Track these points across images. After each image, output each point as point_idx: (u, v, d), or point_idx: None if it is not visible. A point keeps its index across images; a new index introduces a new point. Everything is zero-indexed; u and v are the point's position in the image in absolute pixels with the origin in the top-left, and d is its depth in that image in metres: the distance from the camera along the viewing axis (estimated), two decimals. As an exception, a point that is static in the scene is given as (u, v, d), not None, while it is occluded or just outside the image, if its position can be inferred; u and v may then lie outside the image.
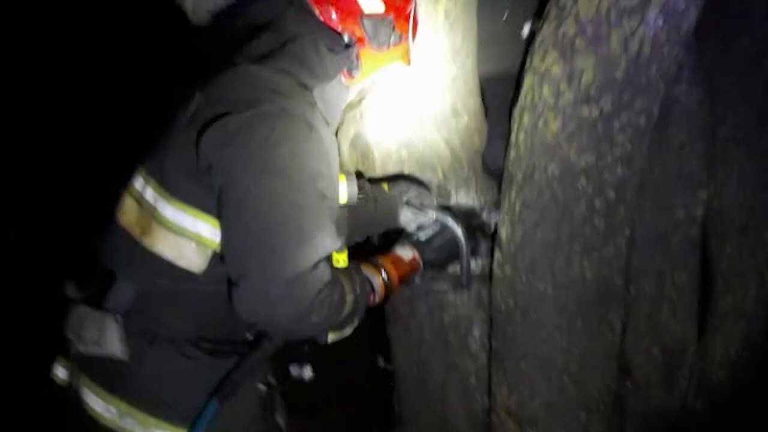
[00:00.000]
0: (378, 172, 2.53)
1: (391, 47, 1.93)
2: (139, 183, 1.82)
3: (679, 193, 2.88)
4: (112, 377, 1.79)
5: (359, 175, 2.41)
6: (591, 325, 2.49)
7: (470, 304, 2.67)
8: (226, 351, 1.83)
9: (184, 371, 1.79)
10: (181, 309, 1.79)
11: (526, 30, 2.67)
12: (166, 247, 1.74)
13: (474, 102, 2.57)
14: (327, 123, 1.87)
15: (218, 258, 1.73)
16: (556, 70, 2.23)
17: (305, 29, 1.81)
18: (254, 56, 1.79)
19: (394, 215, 2.31)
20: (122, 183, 1.88)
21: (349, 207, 2.06)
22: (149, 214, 1.76)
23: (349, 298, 1.79)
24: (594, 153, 2.28)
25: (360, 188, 2.05)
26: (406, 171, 2.53)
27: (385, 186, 2.30)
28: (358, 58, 1.87)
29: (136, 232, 1.78)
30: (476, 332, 2.70)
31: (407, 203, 2.33)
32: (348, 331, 1.91)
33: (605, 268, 2.46)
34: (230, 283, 1.66)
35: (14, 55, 5.22)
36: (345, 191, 1.96)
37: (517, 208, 2.43)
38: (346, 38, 1.84)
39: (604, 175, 2.32)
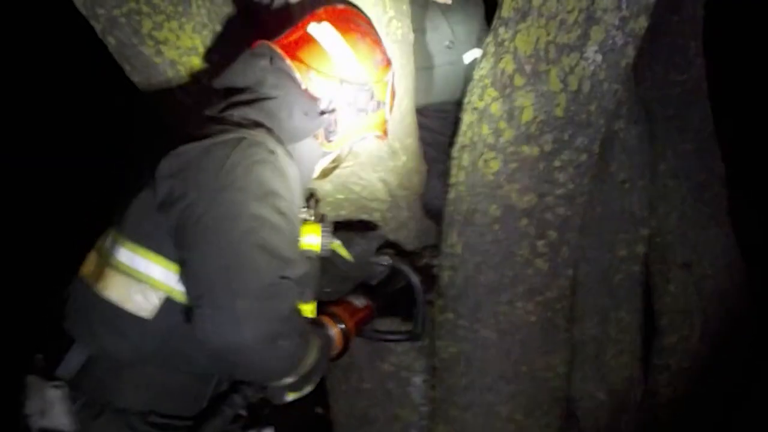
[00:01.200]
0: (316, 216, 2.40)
1: (369, 114, 1.91)
2: (104, 237, 1.78)
3: (621, 230, 2.85)
4: None
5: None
6: (536, 371, 2.41)
7: (411, 352, 2.56)
8: (177, 427, 1.70)
9: None
10: (130, 376, 1.69)
11: (468, 56, 2.61)
12: (114, 290, 1.67)
13: (411, 141, 2.47)
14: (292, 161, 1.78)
15: (170, 304, 1.66)
16: (496, 107, 2.15)
17: (283, 93, 1.79)
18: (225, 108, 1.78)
19: (368, 270, 2.19)
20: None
21: (323, 261, 1.97)
22: (105, 260, 1.71)
23: (315, 345, 1.72)
24: (535, 193, 2.21)
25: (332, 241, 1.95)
26: (344, 214, 2.42)
27: (335, 245, 2.07)
28: (336, 123, 1.86)
29: (91, 280, 1.73)
30: (418, 381, 2.59)
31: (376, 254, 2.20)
32: (308, 388, 1.78)
33: (549, 310, 2.38)
34: (192, 310, 1.56)
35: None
36: (318, 241, 1.86)
37: (459, 251, 2.33)
38: (325, 103, 1.82)
39: (546, 216, 2.25)
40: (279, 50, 1.81)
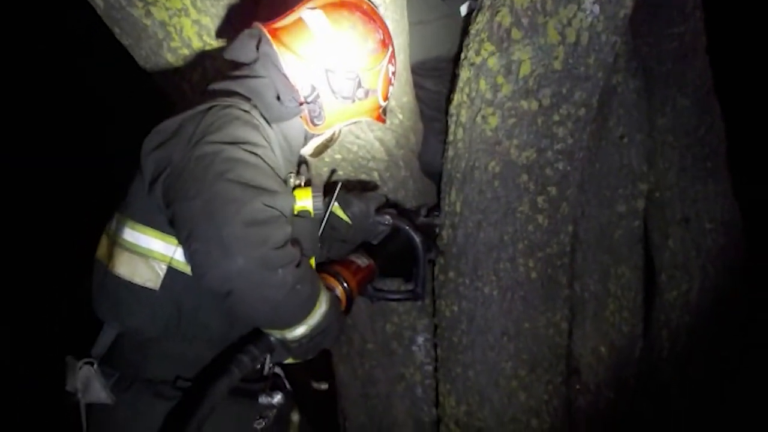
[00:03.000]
0: (316, 176, 2.39)
1: (356, 102, 1.90)
2: (111, 220, 1.87)
3: (620, 186, 2.84)
4: (99, 424, 1.83)
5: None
6: (538, 328, 2.41)
7: (413, 312, 2.56)
8: None
9: (163, 414, 1.74)
10: (154, 349, 1.79)
11: (464, 8, 2.57)
12: (122, 266, 1.77)
13: (408, 99, 2.45)
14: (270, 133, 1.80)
15: (173, 273, 1.74)
16: (493, 62, 2.13)
17: (268, 76, 1.83)
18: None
19: (369, 230, 2.18)
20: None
21: (325, 228, 1.99)
22: (113, 240, 1.81)
23: (325, 295, 1.72)
24: (535, 148, 2.20)
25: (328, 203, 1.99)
26: (341, 174, 2.40)
27: (334, 207, 2.08)
28: (321, 109, 1.87)
29: (104, 260, 1.83)
30: (420, 340, 2.59)
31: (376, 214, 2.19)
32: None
33: (550, 267, 2.38)
34: (186, 249, 1.61)
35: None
36: (310, 203, 1.85)
37: (458, 209, 2.32)
38: (307, 90, 1.84)
39: (546, 171, 2.24)
40: (268, 34, 1.83)
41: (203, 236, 1.53)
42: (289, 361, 1.84)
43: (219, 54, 2.04)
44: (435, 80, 2.63)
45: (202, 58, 2.37)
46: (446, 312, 2.44)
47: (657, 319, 3.01)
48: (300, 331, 1.67)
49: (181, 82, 2.42)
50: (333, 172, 2.39)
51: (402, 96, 2.41)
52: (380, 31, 1.94)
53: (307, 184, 1.94)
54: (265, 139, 1.73)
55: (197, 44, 2.36)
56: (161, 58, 2.37)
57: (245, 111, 1.72)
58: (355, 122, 1.99)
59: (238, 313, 1.67)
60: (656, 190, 2.91)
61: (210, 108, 1.69)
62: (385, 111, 2.05)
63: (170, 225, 1.66)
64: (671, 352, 2.98)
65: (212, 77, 2.10)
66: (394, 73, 2.01)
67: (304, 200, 1.85)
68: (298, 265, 1.62)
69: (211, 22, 2.36)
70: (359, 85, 1.89)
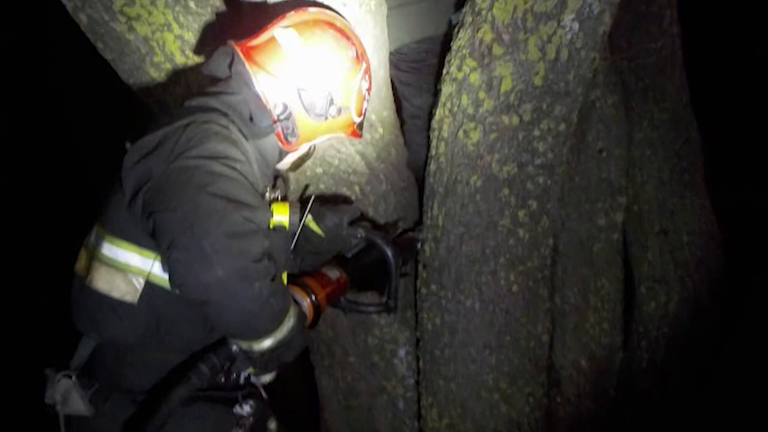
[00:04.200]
0: (293, 189, 2.39)
1: (330, 119, 1.92)
2: (90, 233, 1.88)
3: (599, 199, 2.87)
4: None
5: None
6: (519, 340, 2.42)
7: (395, 325, 2.57)
8: None
9: None
10: (131, 359, 1.81)
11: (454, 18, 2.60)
12: (101, 280, 1.78)
13: (388, 114, 2.47)
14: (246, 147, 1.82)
15: (151, 287, 1.75)
16: (475, 77, 2.15)
17: (241, 94, 1.85)
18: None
19: (342, 243, 2.18)
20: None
21: (299, 240, 2.01)
22: (92, 254, 1.82)
23: (293, 309, 1.73)
24: (516, 163, 2.22)
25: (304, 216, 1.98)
26: (322, 188, 2.41)
27: (307, 220, 2.08)
28: (294, 126, 1.88)
29: (83, 274, 1.84)
30: (402, 353, 2.60)
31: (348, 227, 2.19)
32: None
33: (531, 280, 2.40)
34: (165, 260, 1.62)
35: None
36: (286, 218, 1.87)
37: (440, 223, 2.34)
38: (279, 108, 1.85)
39: (526, 185, 2.26)
40: (241, 53, 1.85)
41: (184, 246, 1.54)
42: (254, 374, 1.85)
43: (200, 68, 2.04)
44: (416, 76, 2.64)
45: (185, 72, 2.37)
46: (428, 325, 2.45)
47: (636, 331, 3.04)
48: (266, 343, 1.68)
49: (164, 96, 2.42)
50: (311, 186, 2.40)
51: (382, 110, 2.43)
52: (353, 48, 1.96)
53: (284, 198, 1.96)
54: (243, 154, 1.74)
55: (180, 59, 2.36)
56: (144, 72, 2.37)
57: (223, 126, 1.73)
58: (329, 138, 2.00)
59: (213, 321, 1.70)
60: (635, 203, 2.95)
61: (189, 123, 1.70)
62: (360, 126, 2.06)
63: (150, 236, 1.66)
64: (650, 362, 3.01)
65: (194, 91, 2.11)
66: (368, 90, 2.02)
67: (281, 215, 1.87)
68: (272, 279, 1.64)
69: (194, 37, 2.36)
70: (332, 103, 1.90)
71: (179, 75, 2.37)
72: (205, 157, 1.63)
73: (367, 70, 2.01)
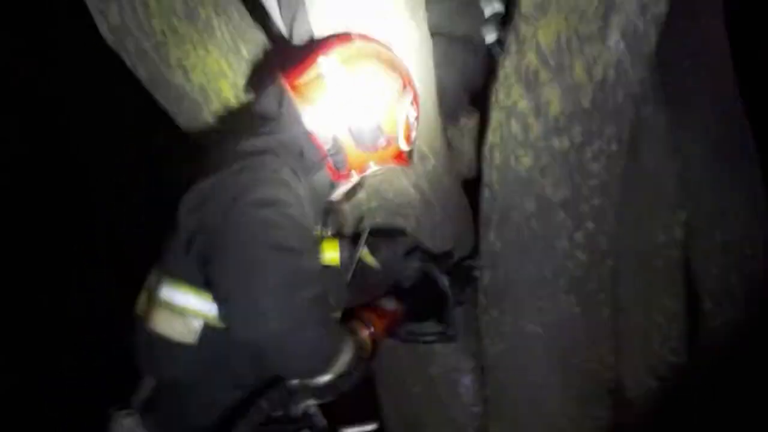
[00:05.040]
0: (349, 223, 2.44)
1: (378, 150, 1.96)
2: (151, 275, 1.93)
3: (657, 216, 2.84)
4: None
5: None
6: (584, 363, 2.41)
7: (458, 353, 2.57)
8: None
9: None
10: (190, 399, 1.86)
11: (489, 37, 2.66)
12: (160, 323, 1.83)
13: (439, 144, 2.50)
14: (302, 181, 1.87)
15: (209, 329, 1.79)
16: (523, 104, 2.17)
17: (292, 131, 1.90)
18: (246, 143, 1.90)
19: (398, 275, 2.24)
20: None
21: (355, 273, 2.04)
22: (152, 297, 1.87)
23: (349, 343, 1.81)
24: (569, 185, 2.22)
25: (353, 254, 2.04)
26: (378, 221, 2.44)
27: (363, 253, 2.16)
28: (345, 157, 1.93)
29: (144, 317, 1.89)
30: (467, 381, 2.60)
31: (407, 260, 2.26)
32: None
33: (592, 301, 2.38)
34: (221, 311, 1.70)
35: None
36: (337, 255, 1.94)
37: (497, 249, 2.35)
38: (329, 142, 1.91)
39: (581, 207, 2.26)
40: (289, 90, 1.91)
41: (238, 300, 1.61)
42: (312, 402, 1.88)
43: (251, 107, 2.11)
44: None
45: (240, 115, 2.45)
46: (491, 351, 2.45)
47: (703, 348, 2.98)
48: (324, 378, 1.76)
49: (221, 140, 2.51)
50: (366, 219, 2.44)
51: (433, 141, 2.46)
52: (399, 78, 2.00)
53: (336, 234, 2.01)
54: (295, 196, 1.78)
55: (234, 103, 2.45)
56: (202, 120, 2.46)
57: (275, 170, 1.78)
58: (380, 168, 2.04)
59: (269, 365, 1.76)
60: (694, 218, 2.90)
61: (242, 168, 1.76)
62: (410, 154, 2.09)
63: (206, 285, 1.73)
64: (721, 379, 2.94)
65: (248, 129, 2.17)
66: (416, 118, 2.06)
67: (332, 252, 1.92)
68: (325, 321, 1.70)
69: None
70: (380, 133, 1.94)
71: (235, 118, 2.46)
72: (257, 205, 1.68)
73: (415, 99, 2.05)
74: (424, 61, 2.39)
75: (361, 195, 2.40)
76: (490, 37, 2.76)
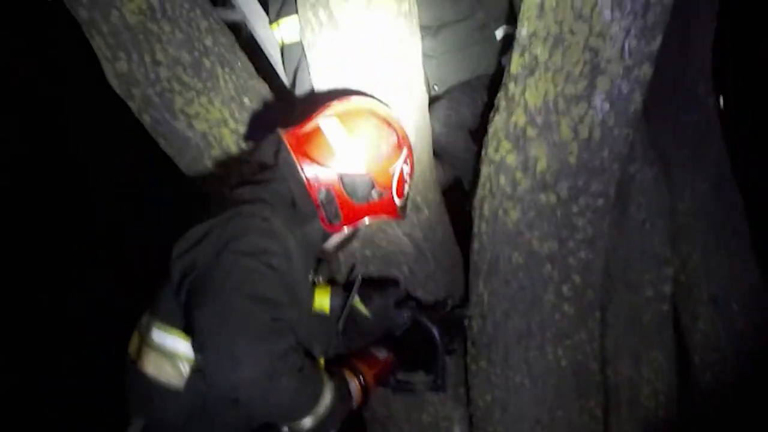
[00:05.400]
0: (343, 272, 2.49)
1: (371, 202, 2.01)
2: (143, 317, 1.96)
3: (645, 270, 2.88)
4: None
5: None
6: (572, 415, 2.43)
7: (449, 402, 2.60)
8: None
9: None
10: None
11: (500, 32, 2.81)
12: (150, 366, 1.86)
13: (433, 196, 2.57)
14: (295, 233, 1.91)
15: (197, 374, 1.82)
16: (511, 159, 2.24)
17: (287, 182, 1.96)
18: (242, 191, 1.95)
19: (390, 323, 2.27)
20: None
21: (347, 321, 2.10)
22: (143, 339, 1.91)
23: (330, 388, 1.82)
24: (556, 239, 2.28)
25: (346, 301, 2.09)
26: (371, 269, 2.50)
27: (355, 301, 2.21)
28: (338, 210, 1.98)
29: (134, 358, 1.92)
30: (457, 430, 2.62)
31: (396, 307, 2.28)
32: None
33: (580, 354, 2.42)
34: (198, 358, 1.75)
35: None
36: (328, 303, 2.01)
37: (486, 299, 2.40)
38: (323, 194, 1.96)
39: (568, 260, 2.32)
40: (287, 142, 1.97)
41: (214, 347, 1.65)
42: None
43: (250, 155, 2.18)
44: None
45: (240, 162, 2.53)
46: (480, 402, 2.48)
47: (692, 402, 3.00)
48: (307, 422, 1.78)
49: (220, 187, 2.58)
50: (360, 267, 2.49)
51: (427, 193, 2.53)
52: (395, 134, 2.05)
53: (328, 282, 2.05)
54: (282, 246, 1.82)
55: (235, 151, 2.53)
56: (203, 166, 2.54)
57: (265, 219, 1.82)
58: (372, 220, 2.08)
59: (248, 413, 1.81)
60: (682, 273, 2.95)
61: (234, 216, 1.80)
62: (403, 208, 2.14)
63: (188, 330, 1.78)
64: (709, 432, 2.95)
65: (245, 177, 2.24)
66: (410, 174, 2.11)
67: (323, 299, 1.98)
68: (301, 369, 1.72)
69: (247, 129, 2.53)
70: (373, 187, 1.99)
71: (234, 165, 2.53)
72: (242, 254, 1.72)
73: (409, 155, 2.10)
74: (421, 119, 2.47)
75: (355, 243, 2.46)
76: (506, 59, 2.81)
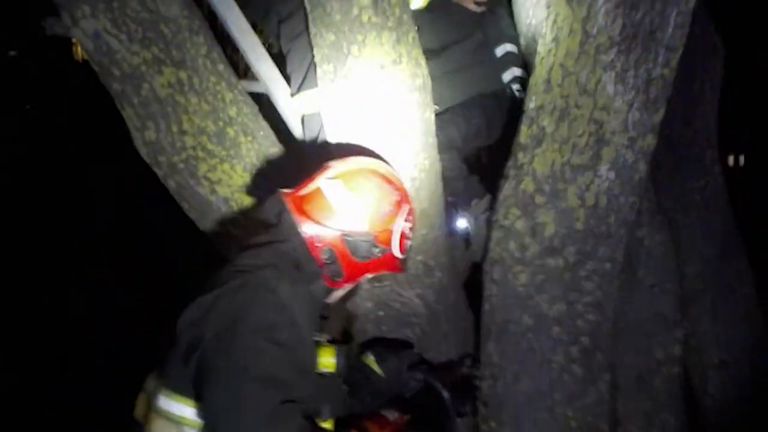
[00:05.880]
0: (358, 333, 2.57)
1: (373, 259, 2.04)
2: (150, 379, 1.97)
3: (655, 333, 2.93)
4: None
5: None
6: (582, 476, 2.45)
7: (459, 463, 2.62)
8: None
9: None
10: None
11: (499, 50, 2.96)
12: (157, 430, 1.86)
13: (446, 260, 2.65)
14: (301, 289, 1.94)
15: None
16: (520, 225, 2.33)
17: (289, 242, 1.98)
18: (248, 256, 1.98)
19: (402, 385, 2.31)
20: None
21: (360, 379, 2.16)
22: (150, 404, 1.91)
23: None
24: (564, 302, 2.34)
25: (351, 359, 2.13)
26: (384, 329, 2.57)
27: (370, 361, 2.29)
28: (341, 267, 2.00)
29: (142, 423, 1.93)
30: (469, 490, 2.64)
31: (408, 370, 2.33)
32: None
33: (589, 415, 2.45)
34: None
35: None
36: (333, 361, 2.01)
37: (496, 360, 2.45)
38: (326, 253, 1.98)
39: (577, 323, 2.37)
40: (289, 204, 2.01)
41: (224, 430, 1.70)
42: None
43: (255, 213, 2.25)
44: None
45: (247, 222, 2.61)
46: (490, 462, 2.51)
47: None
48: None
49: (233, 246, 2.67)
50: (373, 327, 2.56)
51: (440, 256, 2.61)
52: (396, 192, 2.08)
53: (332, 340, 2.08)
54: (289, 318, 1.82)
55: (254, 214, 2.63)
56: (223, 228, 2.64)
57: (271, 290, 1.82)
58: (375, 275, 2.10)
59: None
60: (692, 336, 2.99)
61: (241, 286, 1.81)
62: (404, 261, 2.15)
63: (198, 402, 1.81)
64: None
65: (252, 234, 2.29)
66: (411, 229, 2.13)
67: (328, 358, 1.99)
68: None
69: (267, 193, 2.64)
70: (375, 245, 2.02)
71: (252, 227, 2.61)
72: (251, 332, 1.74)
73: (410, 212, 2.12)
74: (435, 186, 2.56)
75: (369, 304, 2.55)
76: (508, 75, 2.99)
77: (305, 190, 2.04)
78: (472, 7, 2.93)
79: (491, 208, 2.59)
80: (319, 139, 2.67)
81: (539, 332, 2.37)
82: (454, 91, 2.91)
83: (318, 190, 2.02)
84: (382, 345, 2.28)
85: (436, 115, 2.80)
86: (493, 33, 2.99)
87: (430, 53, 2.67)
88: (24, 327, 4.59)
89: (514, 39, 2.97)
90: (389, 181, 2.09)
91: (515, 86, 2.95)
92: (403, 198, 2.11)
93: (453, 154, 2.81)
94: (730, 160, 8.59)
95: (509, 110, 2.91)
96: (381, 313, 2.55)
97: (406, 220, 2.10)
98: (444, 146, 2.67)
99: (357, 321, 2.55)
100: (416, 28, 2.46)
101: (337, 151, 2.38)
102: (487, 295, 2.49)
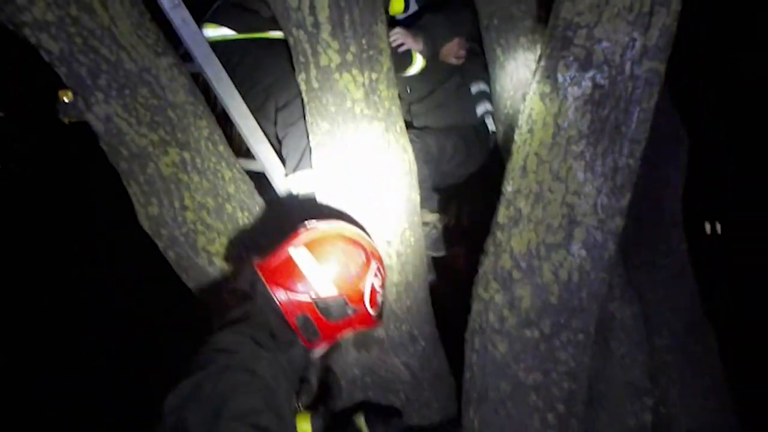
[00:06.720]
0: (345, 398, 2.70)
1: (346, 318, 2.17)
2: None
3: (627, 401, 3.06)
4: None
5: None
6: None
7: None
8: None
9: None
10: None
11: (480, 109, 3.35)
12: None
13: (430, 329, 2.81)
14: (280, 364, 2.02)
15: None
16: (499, 298, 2.50)
17: (264, 312, 2.09)
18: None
19: None
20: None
21: None
22: None
23: None
24: (540, 371, 2.49)
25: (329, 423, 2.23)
26: (370, 395, 2.71)
27: (361, 423, 2.42)
28: (316, 331, 2.13)
29: None
30: None
31: None
32: None
33: (565, 481, 2.57)
34: None
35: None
36: (309, 428, 2.12)
37: (476, 426, 2.58)
38: (300, 320, 2.10)
39: (552, 391, 2.52)
40: (260, 274, 2.13)
41: None
42: None
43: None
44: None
45: (235, 295, 2.73)
46: None
47: None
48: None
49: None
50: (360, 393, 2.69)
51: (424, 325, 2.78)
52: (363, 252, 2.19)
53: (308, 406, 2.20)
54: (269, 396, 1.88)
55: (233, 284, 2.75)
56: (220, 298, 2.77)
57: (251, 371, 1.88)
58: (350, 332, 2.22)
59: None
60: (662, 405, 3.13)
61: (220, 373, 1.86)
62: (379, 315, 2.26)
63: None
64: None
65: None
66: (382, 284, 2.24)
67: (304, 424, 2.10)
68: None
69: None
70: (347, 304, 2.14)
71: (230, 298, 2.73)
72: (233, 418, 1.78)
73: (379, 269, 2.23)
74: (419, 259, 2.73)
75: (356, 371, 2.69)
76: (481, 108, 3.37)
77: (275, 260, 2.16)
78: (454, 61, 3.32)
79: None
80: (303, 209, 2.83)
81: (517, 399, 2.51)
82: (438, 123, 3.31)
83: (288, 259, 2.14)
84: (373, 411, 2.40)
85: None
86: (468, 75, 3.38)
87: (418, 99, 3.26)
88: (24, 327, 4.62)
89: (486, 79, 3.34)
90: (355, 243, 2.21)
91: (488, 120, 3.36)
92: (370, 255, 2.22)
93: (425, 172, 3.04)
94: (707, 227, 8.79)
95: (485, 143, 3.34)
96: (368, 379, 2.69)
97: (375, 276, 2.21)
98: (420, 158, 2.86)
99: (336, 377, 2.68)
100: (408, 89, 3.07)
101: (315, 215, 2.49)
102: (468, 363, 2.63)
